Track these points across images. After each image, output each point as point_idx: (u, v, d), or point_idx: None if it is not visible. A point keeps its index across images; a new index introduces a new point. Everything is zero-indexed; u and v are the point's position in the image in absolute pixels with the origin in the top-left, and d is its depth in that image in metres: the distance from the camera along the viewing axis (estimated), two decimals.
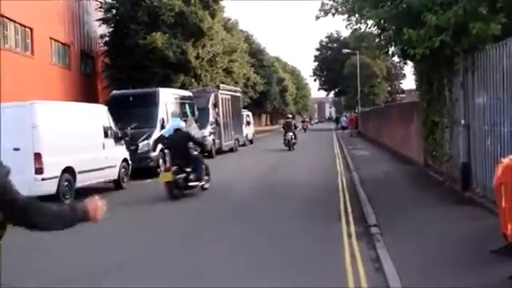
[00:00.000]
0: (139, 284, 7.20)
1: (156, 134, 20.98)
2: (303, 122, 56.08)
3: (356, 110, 62.48)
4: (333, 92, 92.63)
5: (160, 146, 20.95)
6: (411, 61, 15.65)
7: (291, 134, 32.85)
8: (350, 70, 69.06)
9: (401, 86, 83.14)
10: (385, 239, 8.91)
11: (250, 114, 45.10)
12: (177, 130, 15.69)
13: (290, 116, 37.15)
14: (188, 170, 14.92)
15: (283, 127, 35.12)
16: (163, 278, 7.46)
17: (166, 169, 14.80)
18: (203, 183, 15.70)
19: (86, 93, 32.18)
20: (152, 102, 21.86)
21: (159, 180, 15.00)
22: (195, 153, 15.46)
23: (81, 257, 8.91)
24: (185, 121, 24.66)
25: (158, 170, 20.51)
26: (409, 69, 71.92)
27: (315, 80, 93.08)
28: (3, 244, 2.76)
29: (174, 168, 14.57)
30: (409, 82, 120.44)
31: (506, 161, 7.05)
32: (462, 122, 12.67)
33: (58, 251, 9.21)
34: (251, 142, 42.43)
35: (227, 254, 8.73)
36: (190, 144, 15.31)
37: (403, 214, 10.99)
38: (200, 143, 16.02)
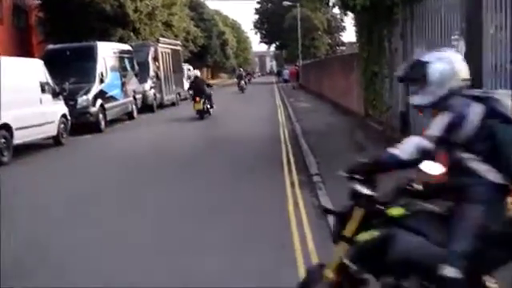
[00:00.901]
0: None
1: (95, 88, 20.56)
2: (239, 76, 55.95)
3: (297, 63, 62.66)
4: (274, 45, 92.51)
5: (100, 101, 20.66)
6: (352, 12, 15.75)
7: (243, 82, 41.55)
8: (290, 22, 68.94)
9: (341, 38, 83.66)
10: (327, 187, 9.11)
11: (191, 68, 44.63)
12: (197, 78, 24.17)
13: (242, 70, 44.00)
14: (206, 101, 23.28)
15: (237, 78, 42.87)
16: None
17: (197, 101, 22.82)
18: (211, 110, 23.84)
19: (20, 48, 31.10)
20: (90, 56, 21.29)
21: (194, 109, 23.01)
22: (209, 91, 23.61)
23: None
24: (124, 75, 24.43)
25: (101, 125, 20.32)
26: (349, 21, 72.39)
27: (256, 33, 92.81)
28: None
29: (202, 100, 22.84)
30: (349, 35, 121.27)
31: None
32: None
33: None
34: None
35: (174, 210, 8.76)
36: (205, 86, 23.46)
37: (344, 162, 11.13)
38: (210, 86, 24.52)
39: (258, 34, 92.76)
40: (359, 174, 3.57)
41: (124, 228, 7.56)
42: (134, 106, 25.29)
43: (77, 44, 22.83)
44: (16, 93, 14.89)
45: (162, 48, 31.98)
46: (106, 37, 31.05)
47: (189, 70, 42.65)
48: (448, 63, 3.42)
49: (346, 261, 3.55)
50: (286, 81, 57.94)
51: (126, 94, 24.11)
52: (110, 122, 21.85)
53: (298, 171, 11.16)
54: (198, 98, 22.88)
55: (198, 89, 23.09)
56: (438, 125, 3.33)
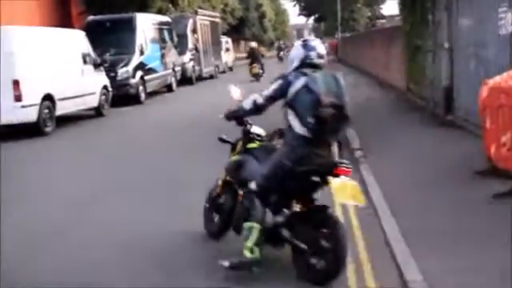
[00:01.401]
0: None
1: (135, 60, 20.72)
2: (279, 48, 55.21)
3: (336, 36, 61.97)
4: (312, 18, 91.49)
5: (140, 73, 20.81)
6: None
7: (282, 53, 35.20)
8: None
9: (381, 11, 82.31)
10: (369, 162, 9.02)
11: (229, 40, 44.56)
12: (253, 48, 29.54)
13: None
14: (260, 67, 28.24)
15: (276, 49, 35.28)
16: None
17: (254, 67, 28.21)
18: (264, 75, 28.41)
19: (61, 19, 31.43)
20: (129, 27, 21.43)
21: (251, 73, 27.86)
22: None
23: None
24: (163, 47, 24.52)
25: (141, 97, 20.55)
26: None
27: (295, 5, 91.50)
28: None
29: (258, 66, 28.26)
30: (389, 8, 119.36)
31: (490, 82, 7.07)
32: (446, 45, 12.63)
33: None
34: (231, 68, 42.03)
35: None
36: (260, 56, 29.04)
37: (386, 138, 11.10)
38: (263, 55, 28.92)
39: (297, 6, 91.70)
40: (231, 119, 5.26)
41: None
42: (173, 79, 25.41)
43: (116, 15, 22.99)
44: (58, 64, 15.11)
45: (200, 20, 31.96)
46: (145, 8, 31.13)
47: (226, 42, 42.53)
48: (297, 49, 4.87)
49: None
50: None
51: (165, 66, 24.23)
52: (150, 94, 22.02)
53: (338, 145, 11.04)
54: (254, 65, 29.52)
55: (255, 57, 29.84)
56: (271, 87, 4.78)
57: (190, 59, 29.38)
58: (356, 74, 31.48)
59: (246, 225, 4.85)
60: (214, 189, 5.76)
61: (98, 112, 17.48)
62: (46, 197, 8.09)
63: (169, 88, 25.08)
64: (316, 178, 4.63)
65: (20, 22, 22.37)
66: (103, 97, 17.70)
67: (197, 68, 30.37)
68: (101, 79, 17.72)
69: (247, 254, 4.80)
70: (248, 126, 5.45)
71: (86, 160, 10.72)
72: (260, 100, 4.85)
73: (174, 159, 10.40)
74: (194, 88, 27.48)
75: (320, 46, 4.92)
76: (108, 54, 18.39)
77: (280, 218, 4.87)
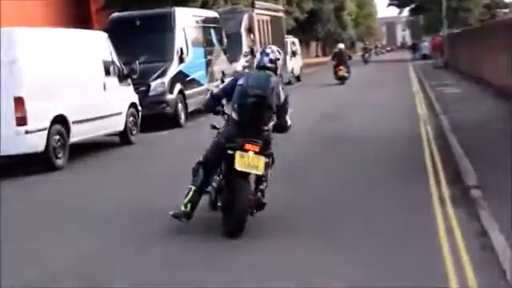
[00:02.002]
0: None
1: (173, 69, 21.01)
2: (365, 49, 55.26)
3: (441, 33, 61.42)
4: (407, 9, 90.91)
5: (179, 87, 21.05)
6: None
7: (344, 68, 36.48)
8: None
9: None
10: (491, 206, 8.85)
11: (295, 41, 44.72)
12: (341, 50, 35.15)
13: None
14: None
15: (332, 58, 38.55)
16: None
17: (340, 69, 33.68)
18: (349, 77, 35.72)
19: (77, 17, 32.25)
20: (166, 26, 21.80)
21: (336, 76, 32.54)
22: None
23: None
24: (210, 52, 24.80)
25: (181, 119, 20.78)
26: None
27: None
28: None
29: (344, 69, 33.29)
30: None
31: None
32: None
33: None
34: (298, 78, 42.31)
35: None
36: (347, 58, 35.37)
37: None
38: (350, 57, 36.71)
39: None
40: (208, 112, 9.61)
41: None
42: None
43: (149, 11, 23.38)
44: (73, 75, 15.39)
45: (258, 15, 32.28)
46: (185, 1, 31.65)
47: (293, 43, 42.70)
48: (257, 55, 9.17)
49: None
50: (424, 56, 57.08)
51: (212, 77, 24.45)
52: (192, 114, 22.25)
53: (448, 182, 10.93)
54: (341, 67, 35.88)
55: (342, 59, 36.28)
56: (225, 83, 8.97)
57: (245, 67, 29.54)
58: (471, 83, 31.11)
59: (188, 187, 8.55)
60: None
61: (124, 138, 17.72)
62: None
63: None
64: (230, 152, 8.17)
65: (27, 22, 23.10)
66: (131, 118, 17.93)
67: None
68: (128, 95, 17.99)
69: (182, 207, 8.40)
70: (222, 113, 8.92)
71: (109, 207, 10.70)
72: (215, 91, 8.97)
73: None
74: None
75: (274, 54, 8.78)
76: (137, 62, 18.58)
77: (215, 184, 8.68)
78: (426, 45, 59.14)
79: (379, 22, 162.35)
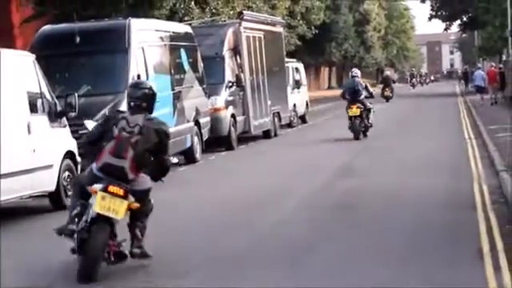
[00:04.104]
0: None
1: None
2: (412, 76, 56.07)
3: (504, 57, 61.89)
4: (457, 23, 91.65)
5: None
6: None
7: (389, 89, 44.27)
8: None
9: None
10: None
11: (300, 66, 44.86)
12: (388, 76, 45.96)
13: (389, 72, 43.85)
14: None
15: (381, 82, 45.27)
16: None
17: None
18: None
19: None
20: (118, 44, 21.92)
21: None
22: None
23: None
24: (179, 81, 24.80)
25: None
26: None
27: (424, 1, 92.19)
28: None
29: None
30: None
31: None
32: None
33: None
34: (303, 118, 42.62)
35: None
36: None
37: None
38: (395, 82, 40.68)
39: (428, 3, 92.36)
40: None
41: None
42: (195, 139, 25.65)
43: (94, 23, 23.46)
44: None
45: (247, 30, 32.34)
46: (147, 9, 31.81)
47: (296, 70, 42.81)
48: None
49: None
50: (479, 89, 57.19)
51: (181, 117, 24.52)
52: None
53: (511, 264, 10.97)
54: (387, 89, 45.21)
55: (388, 84, 46.26)
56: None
57: (228, 102, 29.58)
58: None
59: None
60: None
61: (56, 202, 17.67)
62: None
63: (188, 156, 25.48)
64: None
65: None
66: (66, 173, 17.86)
67: (240, 119, 30.55)
68: (63, 140, 17.98)
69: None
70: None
71: None
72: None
73: None
74: (235, 157, 27.60)
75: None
76: (77, 94, 18.61)
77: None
78: (481, 73, 59.27)
79: (418, 41, 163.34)
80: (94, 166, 11.03)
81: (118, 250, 10.74)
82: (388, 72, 55.27)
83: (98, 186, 10.73)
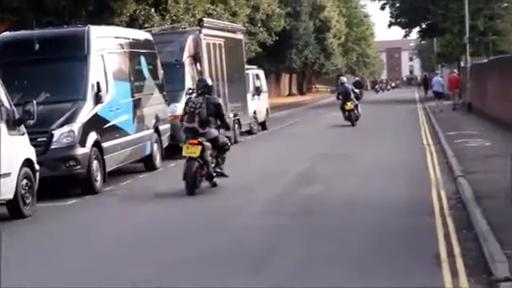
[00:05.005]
0: None
1: (86, 112, 20.90)
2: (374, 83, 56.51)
3: (462, 63, 62.24)
4: (416, 30, 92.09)
5: (94, 137, 20.93)
6: None
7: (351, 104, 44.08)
8: None
9: None
10: None
11: (260, 73, 44.88)
12: (343, 83, 42.58)
13: (344, 79, 49.10)
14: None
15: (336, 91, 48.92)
16: None
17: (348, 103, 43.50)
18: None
19: None
20: (77, 51, 21.79)
21: (346, 108, 36.85)
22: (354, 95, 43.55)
23: None
24: (139, 88, 24.79)
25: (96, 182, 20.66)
26: None
27: (383, 8, 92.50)
28: None
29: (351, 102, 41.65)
30: None
31: None
32: None
33: None
34: (263, 125, 42.78)
35: None
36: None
37: None
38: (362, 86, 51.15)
39: (387, 10, 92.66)
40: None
41: None
42: (155, 146, 25.61)
43: (52, 30, 23.32)
44: None
45: (208, 37, 32.36)
46: (107, 15, 31.75)
47: (257, 77, 42.84)
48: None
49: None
50: (437, 95, 57.55)
51: (141, 124, 24.53)
52: (112, 175, 22.41)
53: (470, 274, 11.03)
54: (348, 103, 43.61)
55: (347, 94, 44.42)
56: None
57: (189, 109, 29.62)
58: (504, 132, 31.38)
59: None
60: None
61: (15, 212, 17.58)
62: None
63: (148, 163, 25.50)
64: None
65: None
66: (24, 181, 17.69)
67: None
68: (20, 148, 17.87)
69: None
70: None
71: None
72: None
73: None
74: None
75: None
76: (35, 102, 18.51)
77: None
78: (440, 79, 59.53)
79: (378, 48, 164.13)
80: (183, 129, 20.44)
81: (207, 174, 19.86)
82: (344, 78, 52.63)
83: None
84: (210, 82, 21.27)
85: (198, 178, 19.43)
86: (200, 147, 19.18)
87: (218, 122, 20.42)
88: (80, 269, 12.61)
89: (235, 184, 20.76)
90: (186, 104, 20.61)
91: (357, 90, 48.47)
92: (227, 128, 21.49)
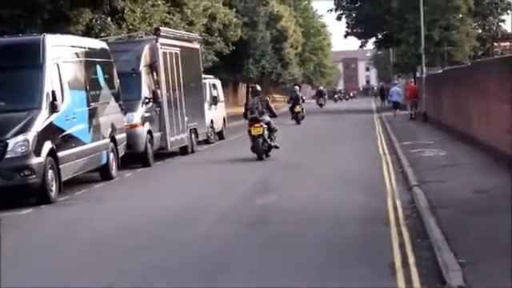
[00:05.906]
0: None
1: (41, 121, 20.77)
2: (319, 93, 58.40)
3: (417, 74, 62.58)
4: (373, 40, 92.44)
5: (49, 146, 20.79)
6: None
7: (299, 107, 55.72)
8: None
9: (502, 27, 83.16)
10: None
11: (217, 83, 44.91)
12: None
13: (297, 87, 52.48)
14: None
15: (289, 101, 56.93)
16: None
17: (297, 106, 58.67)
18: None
19: None
20: (32, 60, 21.62)
21: (295, 110, 53.79)
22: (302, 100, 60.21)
23: None
24: (95, 97, 24.68)
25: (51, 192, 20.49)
26: None
27: (340, 18, 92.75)
28: None
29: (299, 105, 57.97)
30: None
31: None
32: None
33: None
34: (220, 135, 42.85)
35: None
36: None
37: None
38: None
39: (344, 20, 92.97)
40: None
41: None
42: (111, 155, 25.47)
43: (7, 38, 23.16)
44: None
45: (164, 46, 32.27)
46: (63, 24, 31.58)
47: (213, 86, 42.86)
48: None
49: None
50: (395, 105, 57.95)
51: (96, 133, 24.38)
52: (68, 185, 22.22)
53: (423, 281, 11.18)
54: (297, 106, 56.47)
55: (297, 99, 57.63)
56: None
57: (145, 119, 29.47)
58: (458, 142, 31.62)
59: None
60: None
61: None
62: None
63: (103, 173, 25.28)
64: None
65: None
66: None
67: (156, 135, 30.45)
68: None
69: None
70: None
71: None
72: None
73: None
74: (151, 174, 27.60)
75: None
76: None
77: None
78: (396, 90, 59.92)
79: (334, 58, 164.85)
80: (249, 118, 29.40)
81: (267, 147, 29.14)
82: (297, 87, 60.59)
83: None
84: (258, 88, 32.29)
85: (264, 148, 29.43)
86: (262, 128, 28.88)
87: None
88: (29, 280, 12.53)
89: (194, 194, 20.64)
90: (247, 104, 33.39)
91: (304, 97, 61.81)
92: (274, 116, 31.33)
